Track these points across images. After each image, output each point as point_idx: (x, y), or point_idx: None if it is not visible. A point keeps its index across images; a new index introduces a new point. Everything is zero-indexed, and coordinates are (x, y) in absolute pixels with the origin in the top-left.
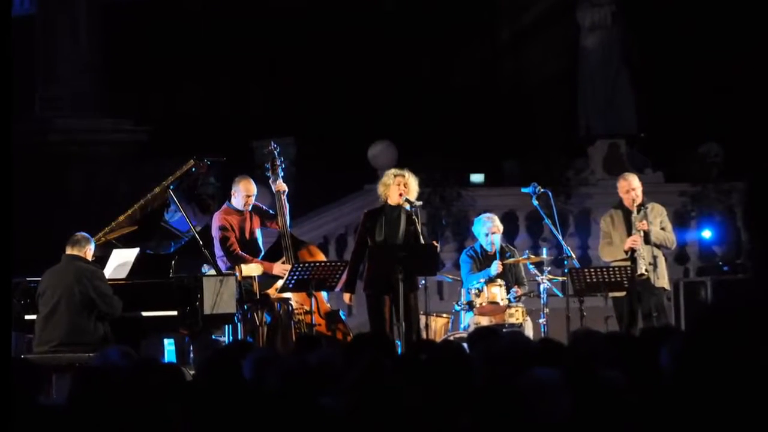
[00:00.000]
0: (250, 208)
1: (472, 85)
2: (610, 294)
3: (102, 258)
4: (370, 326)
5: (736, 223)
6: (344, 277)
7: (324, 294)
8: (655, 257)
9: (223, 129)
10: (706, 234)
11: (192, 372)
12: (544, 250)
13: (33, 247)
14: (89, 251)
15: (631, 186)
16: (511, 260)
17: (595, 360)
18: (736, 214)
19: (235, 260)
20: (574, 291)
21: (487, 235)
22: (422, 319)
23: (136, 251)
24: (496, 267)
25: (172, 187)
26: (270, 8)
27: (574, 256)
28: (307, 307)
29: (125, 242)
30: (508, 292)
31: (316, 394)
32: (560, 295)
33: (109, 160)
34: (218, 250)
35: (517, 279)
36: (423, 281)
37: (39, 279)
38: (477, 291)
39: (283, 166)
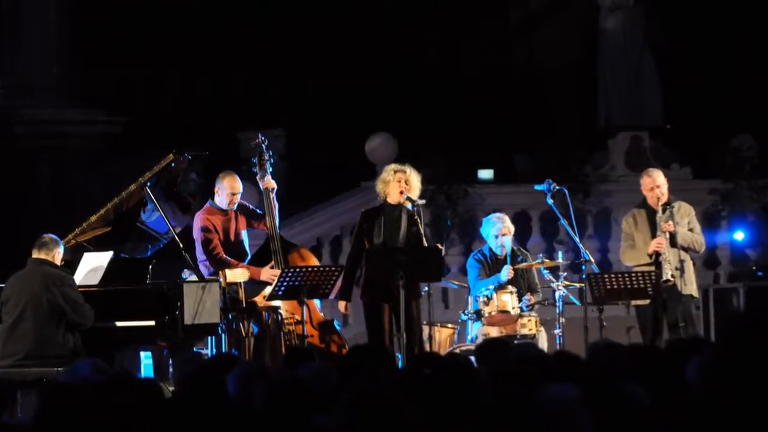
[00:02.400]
0: (235, 207)
1: (480, 71)
2: (633, 302)
3: (72, 262)
4: (368, 337)
5: None
6: (339, 283)
7: (317, 302)
8: (682, 261)
9: (206, 120)
10: (739, 236)
11: (171, 388)
12: (560, 254)
13: None
14: (58, 255)
15: (656, 183)
16: (523, 265)
17: (616, 375)
18: None
19: (218, 265)
20: (592, 299)
21: (496, 237)
22: (425, 329)
23: (109, 255)
24: (506, 272)
25: (149, 184)
26: None
27: (592, 260)
28: (298, 317)
29: (98, 245)
30: (519, 300)
31: (307, 412)
32: (577, 303)
33: (79, 154)
34: (200, 254)
35: (529, 285)
36: (426, 288)
37: (2, 285)
38: (485, 299)
39: (272, 160)
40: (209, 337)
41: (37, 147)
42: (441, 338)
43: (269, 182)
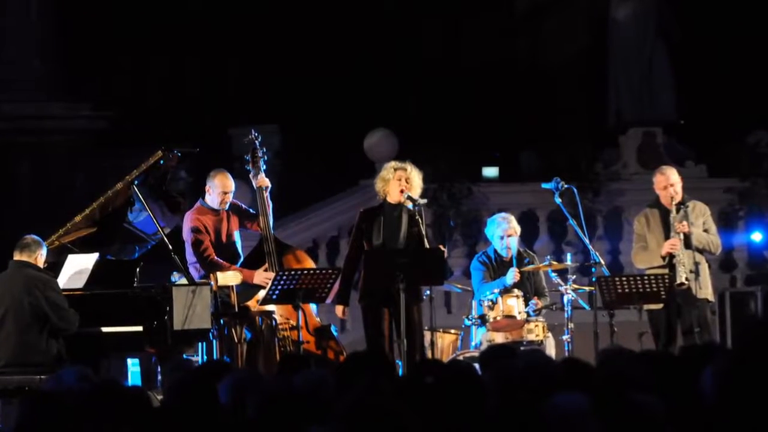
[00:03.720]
0: (227, 206)
1: (484, 64)
2: (645, 306)
3: (56, 264)
4: (367, 344)
5: None
6: (336, 286)
7: (313, 306)
8: (696, 264)
9: (196, 115)
10: (756, 237)
11: (160, 397)
12: (569, 256)
13: None
14: (41, 257)
15: (670, 181)
16: (530, 267)
17: (627, 383)
18: None
19: (209, 267)
20: (603, 303)
21: (502, 238)
22: (427, 335)
23: (95, 257)
24: (512, 275)
25: (136, 182)
26: None
27: (603, 262)
28: (293, 322)
29: (82, 246)
30: (526, 305)
31: (303, 423)
32: (587, 307)
33: (63, 150)
34: (190, 256)
35: (536, 289)
36: (428, 291)
37: None
38: (490, 303)
39: (266, 158)
40: (200, 344)
41: (17, 143)
42: (443, 344)
43: (263, 180)
